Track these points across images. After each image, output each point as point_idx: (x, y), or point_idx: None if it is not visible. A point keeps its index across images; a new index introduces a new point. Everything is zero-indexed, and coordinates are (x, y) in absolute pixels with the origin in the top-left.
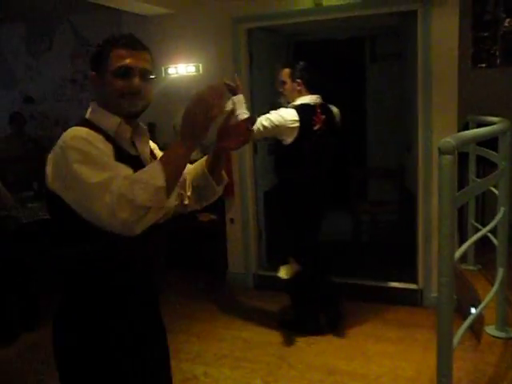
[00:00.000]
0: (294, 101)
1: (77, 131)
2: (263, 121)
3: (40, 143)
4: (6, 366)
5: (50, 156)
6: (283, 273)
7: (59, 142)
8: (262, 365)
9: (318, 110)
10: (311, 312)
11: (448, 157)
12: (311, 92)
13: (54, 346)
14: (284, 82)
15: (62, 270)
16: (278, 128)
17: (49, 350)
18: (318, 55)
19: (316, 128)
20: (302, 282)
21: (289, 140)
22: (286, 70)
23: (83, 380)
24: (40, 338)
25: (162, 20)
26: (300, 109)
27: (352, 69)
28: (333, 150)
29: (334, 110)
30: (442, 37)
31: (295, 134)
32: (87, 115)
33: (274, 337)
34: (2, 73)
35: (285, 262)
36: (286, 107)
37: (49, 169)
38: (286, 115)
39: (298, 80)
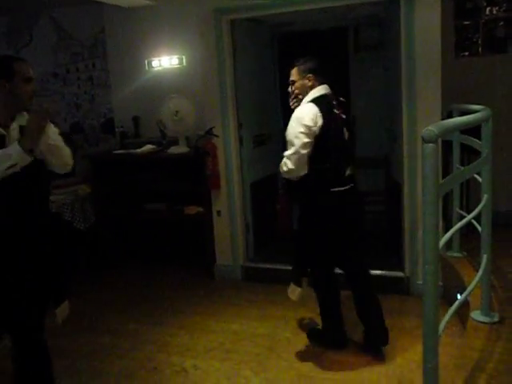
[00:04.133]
0: (305, 96)
1: None
2: (289, 164)
3: None
4: None
5: None
6: (293, 295)
7: None
8: (251, 356)
9: (334, 102)
10: (336, 326)
11: (431, 145)
12: (322, 82)
13: None
14: (293, 82)
15: None
16: (309, 143)
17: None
18: (302, 46)
19: (338, 120)
20: (326, 296)
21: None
22: (296, 69)
23: None
24: None
25: (143, 12)
26: (317, 100)
27: (336, 59)
28: (352, 142)
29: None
30: (424, 26)
31: (319, 130)
32: None
33: (263, 328)
34: None
35: (297, 280)
36: (297, 107)
37: None
38: (306, 120)
39: (309, 75)
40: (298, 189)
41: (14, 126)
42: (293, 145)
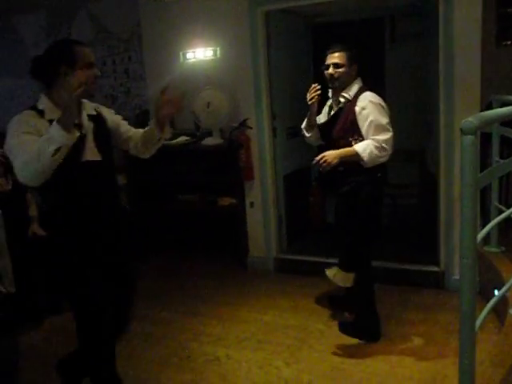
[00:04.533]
0: (349, 85)
1: None
2: (388, 148)
3: None
4: (32, 349)
5: None
6: (348, 281)
7: None
8: (283, 347)
9: None
10: (374, 317)
11: (470, 137)
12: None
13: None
14: (341, 65)
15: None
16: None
17: (73, 333)
18: (336, 36)
19: None
20: (371, 286)
21: None
22: (344, 53)
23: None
24: (65, 322)
25: (179, 5)
26: (374, 91)
27: (371, 50)
28: None
29: None
30: (464, 14)
31: None
32: None
33: (295, 320)
34: (25, 62)
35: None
36: (361, 92)
37: None
38: (384, 105)
39: (355, 65)
40: (344, 178)
41: (83, 117)
42: (386, 130)
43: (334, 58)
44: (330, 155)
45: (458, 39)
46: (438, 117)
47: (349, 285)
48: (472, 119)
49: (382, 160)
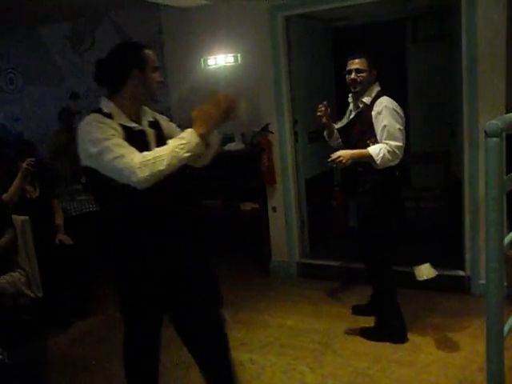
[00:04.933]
0: (369, 89)
1: None
2: (399, 154)
3: None
4: (59, 353)
5: None
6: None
7: None
8: (307, 352)
9: None
10: (401, 318)
11: (495, 139)
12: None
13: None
14: (363, 71)
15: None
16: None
17: (99, 337)
18: (358, 40)
19: None
20: (394, 287)
21: None
22: (365, 59)
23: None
24: (92, 326)
25: (199, 12)
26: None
27: (393, 52)
28: None
29: None
30: (488, 16)
31: None
32: None
33: (319, 324)
34: (50, 71)
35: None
36: (379, 96)
37: None
38: (400, 111)
39: (374, 70)
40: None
41: (145, 123)
42: (398, 135)
43: (356, 63)
44: (345, 154)
45: (481, 40)
46: (461, 118)
47: (433, 275)
48: (497, 121)
49: (393, 164)
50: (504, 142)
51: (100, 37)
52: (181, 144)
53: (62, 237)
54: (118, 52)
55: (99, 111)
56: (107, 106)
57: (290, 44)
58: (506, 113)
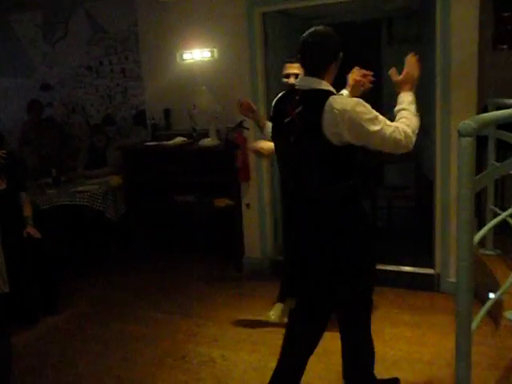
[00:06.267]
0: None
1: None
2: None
3: (63, 130)
4: (27, 349)
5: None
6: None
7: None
8: (279, 349)
9: None
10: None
11: (468, 139)
12: None
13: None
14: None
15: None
16: None
17: (68, 333)
18: None
19: None
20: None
21: None
22: None
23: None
24: (60, 322)
25: (176, 5)
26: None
27: (368, 52)
28: None
29: None
30: (461, 18)
31: None
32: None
33: None
34: (21, 61)
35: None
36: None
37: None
38: None
39: None
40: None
41: None
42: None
43: (295, 68)
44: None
45: (454, 42)
46: (434, 119)
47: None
48: (470, 121)
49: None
50: (475, 142)
51: (73, 27)
52: (413, 106)
53: (31, 230)
54: (329, 35)
55: (334, 93)
56: (329, 87)
57: (267, 40)
58: (478, 114)
